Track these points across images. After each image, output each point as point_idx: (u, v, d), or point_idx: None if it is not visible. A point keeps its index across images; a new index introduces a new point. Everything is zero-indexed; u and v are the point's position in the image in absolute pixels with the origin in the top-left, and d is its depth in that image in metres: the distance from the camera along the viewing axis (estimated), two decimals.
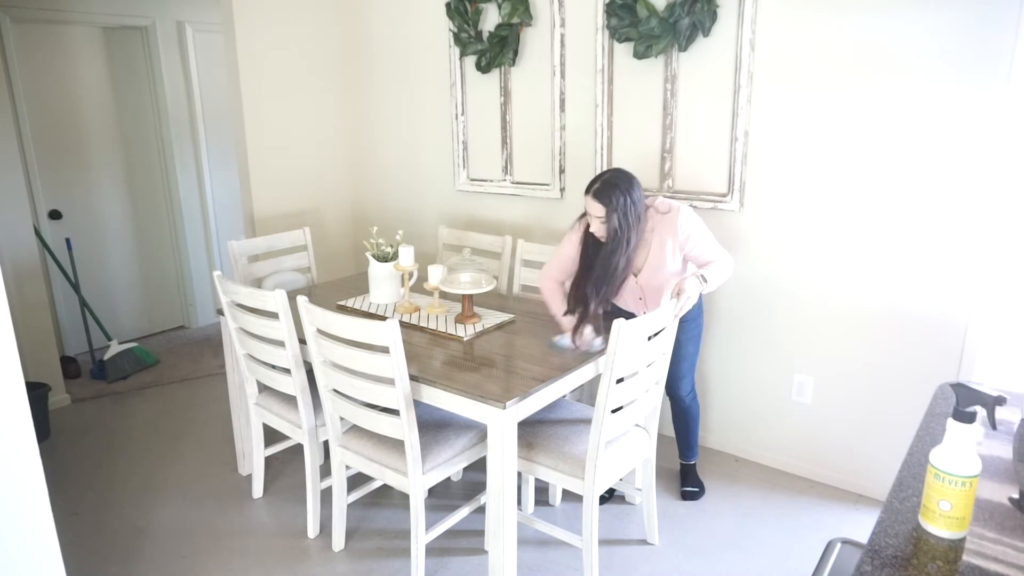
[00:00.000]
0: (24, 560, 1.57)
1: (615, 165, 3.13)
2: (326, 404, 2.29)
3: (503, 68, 3.40)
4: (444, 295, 2.81)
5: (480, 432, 2.31)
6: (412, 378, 2.09)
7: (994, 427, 1.36)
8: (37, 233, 3.78)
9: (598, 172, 3.16)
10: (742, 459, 3.07)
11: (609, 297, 2.39)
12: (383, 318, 2.51)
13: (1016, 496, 1.22)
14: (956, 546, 1.09)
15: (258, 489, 2.82)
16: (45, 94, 4.03)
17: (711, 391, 3.11)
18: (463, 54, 3.51)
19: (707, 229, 2.40)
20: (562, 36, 3.14)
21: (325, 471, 2.54)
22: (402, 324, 2.54)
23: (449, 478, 2.89)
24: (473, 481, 2.90)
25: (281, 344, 2.37)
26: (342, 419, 2.34)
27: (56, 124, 4.11)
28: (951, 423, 1.10)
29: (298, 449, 3.11)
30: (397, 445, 2.20)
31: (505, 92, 3.43)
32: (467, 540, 2.53)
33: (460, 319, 2.54)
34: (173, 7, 4.44)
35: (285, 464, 3.06)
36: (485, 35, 3.39)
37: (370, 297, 2.83)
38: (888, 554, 1.08)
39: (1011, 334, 2.46)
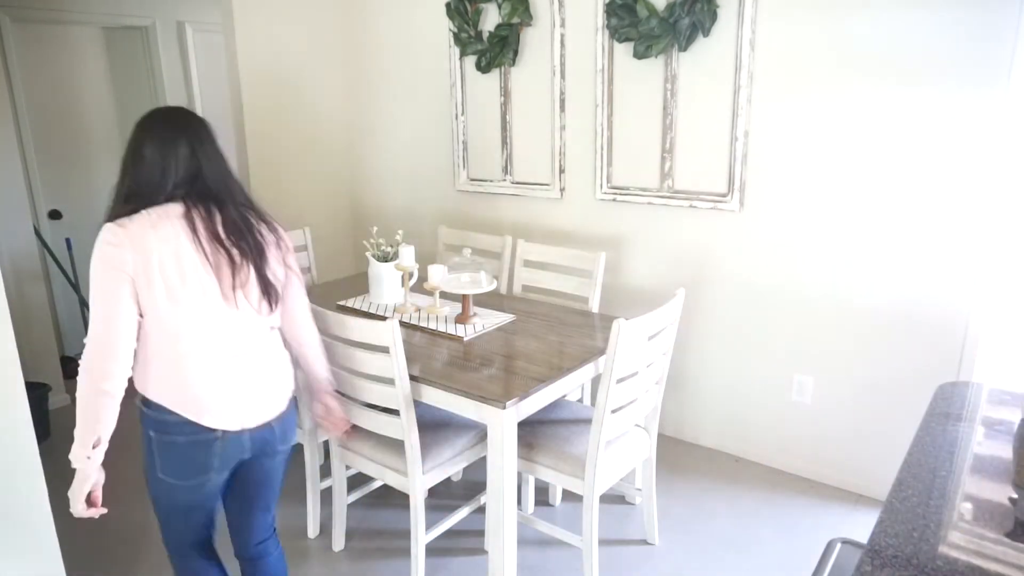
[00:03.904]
0: (24, 560, 1.57)
1: (615, 164, 3.13)
2: None
3: (503, 68, 3.40)
4: (444, 295, 2.80)
5: (480, 432, 2.31)
6: (412, 378, 2.09)
7: None
8: (37, 233, 3.78)
9: (598, 172, 3.17)
10: (742, 459, 3.07)
11: None
12: (383, 318, 2.51)
13: (1016, 496, 1.22)
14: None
15: None
16: (45, 94, 4.02)
17: (711, 390, 3.11)
18: (463, 54, 3.50)
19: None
20: (562, 36, 3.14)
21: (325, 471, 2.54)
22: (402, 324, 2.54)
23: (449, 478, 2.89)
24: (473, 481, 2.90)
25: None
26: None
27: (56, 124, 4.10)
28: None
29: (298, 449, 3.10)
30: (397, 445, 2.19)
31: (505, 92, 3.43)
32: (467, 540, 2.53)
33: (460, 319, 2.54)
34: (173, 7, 4.44)
35: None
36: (485, 35, 3.39)
37: (370, 297, 2.83)
38: (888, 554, 1.07)
39: (1011, 334, 2.46)
